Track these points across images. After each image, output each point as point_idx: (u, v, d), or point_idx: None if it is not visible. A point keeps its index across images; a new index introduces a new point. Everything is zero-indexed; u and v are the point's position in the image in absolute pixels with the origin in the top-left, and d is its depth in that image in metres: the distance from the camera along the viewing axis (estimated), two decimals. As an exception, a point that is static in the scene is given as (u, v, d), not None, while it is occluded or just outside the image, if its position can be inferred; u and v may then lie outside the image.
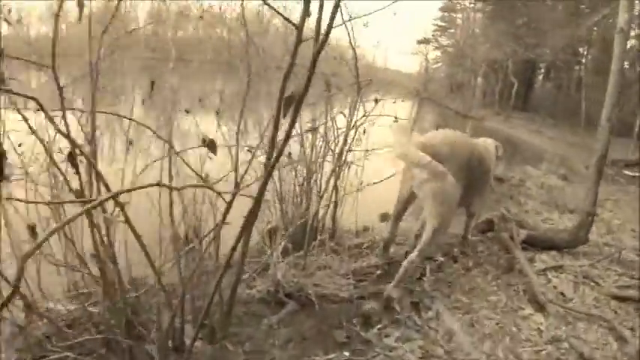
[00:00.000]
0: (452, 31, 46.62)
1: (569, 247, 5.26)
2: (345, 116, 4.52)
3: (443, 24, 48.06)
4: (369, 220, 5.65)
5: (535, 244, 5.09)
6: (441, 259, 4.58)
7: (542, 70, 40.45)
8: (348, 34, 4.08)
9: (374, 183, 4.56)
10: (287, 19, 2.03)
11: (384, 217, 6.09)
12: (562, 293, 4.17)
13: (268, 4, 2.21)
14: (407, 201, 4.04)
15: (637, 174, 16.13)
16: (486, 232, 5.39)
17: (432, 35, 48.78)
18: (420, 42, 49.44)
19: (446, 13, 47.42)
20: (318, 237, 4.34)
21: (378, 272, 4.17)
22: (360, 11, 3.88)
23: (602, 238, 6.40)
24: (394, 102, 4.06)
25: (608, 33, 29.94)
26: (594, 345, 3.49)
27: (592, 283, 4.46)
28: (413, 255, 3.65)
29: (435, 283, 4.10)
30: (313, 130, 4.45)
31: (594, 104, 26.72)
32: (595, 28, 30.08)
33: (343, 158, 4.45)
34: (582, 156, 19.33)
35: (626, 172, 16.44)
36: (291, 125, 2.12)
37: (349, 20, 3.71)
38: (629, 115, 26.06)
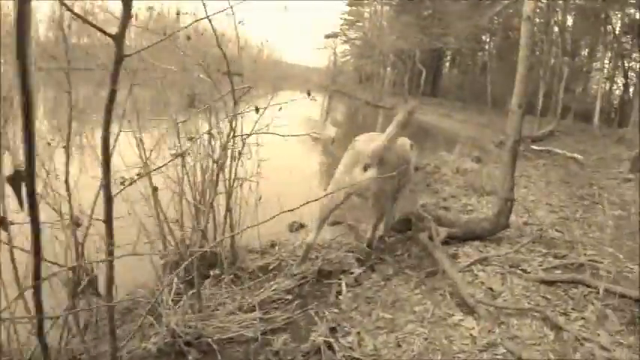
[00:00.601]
0: (360, 24, 46.93)
1: (491, 235, 5.00)
2: (213, 136, 3.99)
3: (351, 18, 48.36)
4: (274, 233, 5.11)
5: (457, 238, 4.78)
6: (358, 270, 4.13)
7: (449, 58, 41.66)
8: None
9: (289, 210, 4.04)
10: (102, 31, 1.70)
11: (293, 227, 5.65)
12: (490, 288, 3.81)
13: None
14: (340, 204, 4.19)
15: (543, 148, 16.60)
16: (404, 231, 5.01)
17: (340, 29, 49.02)
18: (327, 36, 49.47)
19: (353, 7, 47.76)
20: (216, 268, 3.84)
21: (290, 297, 3.65)
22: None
23: (522, 217, 6.21)
24: (279, 108, 3.42)
25: (509, 21, 32.01)
26: (530, 341, 3.15)
27: (519, 271, 4.15)
28: (369, 233, 4.49)
29: (353, 300, 3.63)
30: (180, 155, 3.68)
31: (498, 87, 27.75)
32: (496, 18, 31.55)
33: (232, 175, 3.96)
34: (491, 136, 19.90)
35: (534, 147, 16.92)
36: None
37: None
38: (531, 95, 27.22)
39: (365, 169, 3.94)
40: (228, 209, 3.98)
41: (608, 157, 13.72)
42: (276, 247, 4.77)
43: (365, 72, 46.60)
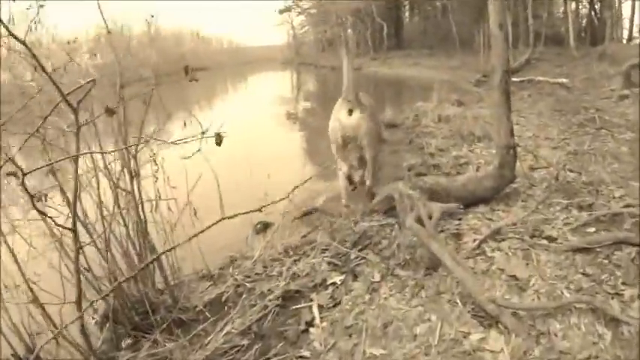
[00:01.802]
0: (312, -7, 45.36)
1: (496, 194, 3.96)
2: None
3: (300, -12, 46.83)
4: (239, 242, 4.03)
5: (458, 203, 3.73)
6: (337, 280, 3.06)
7: (407, 7, 40.33)
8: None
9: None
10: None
11: (261, 229, 4.65)
12: (514, 277, 2.75)
13: None
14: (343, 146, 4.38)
15: (524, 78, 15.56)
16: (387, 212, 3.94)
17: (293, 2, 47.52)
18: (282, 11, 48.08)
19: (301, -24, 46.24)
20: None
21: (246, 343, 2.58)
22: None
23: (524, 160, 5.17)
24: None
25: None
26: (585, 353, 2.13)
27: (543, 241, 3.10)
28: (368, 181, 4.51)
29: (329, 333, 2.55)
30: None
31: (463, 26, 26.62)
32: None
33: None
34: (467, 76, 18.84)
35: (514, 79, 15.87)
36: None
37: None
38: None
39: (350, 113, 4.24)
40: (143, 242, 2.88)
41: (594, 77, 12.67)
42: (230, 267, 3.68)
43: (326, 39, 45.21)
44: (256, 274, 3.38)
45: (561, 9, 27.62)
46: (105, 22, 3.07)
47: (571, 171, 4.70)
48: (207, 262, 3.63)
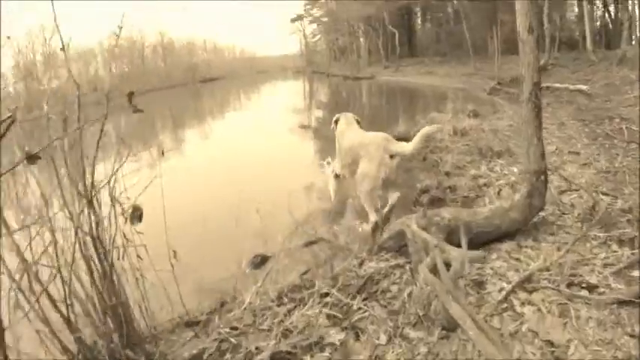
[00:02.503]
0: (323, 1, 44.99)
1: (524, 226, 3.44)
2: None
3: (312, -4, 46.60)
4: (211, 295, 3.53)
5: (479, 242, 3.21)
6: (336, 339, 2.54)
7: (419, 14, 39.80)
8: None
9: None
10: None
11: (260, 262, 4.21)
12: (549, 342, 2.22)
13: None
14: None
15: (542, 85, 14.91)
16: (396, 250, 3.43)
17: (305, 10, 47.33)
18: (293, 20, 47.95)
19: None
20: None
21: None
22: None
23: (550, 182, 4.63)
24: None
25: None
26: None
27: (583, 292, 2.58)
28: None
29: None
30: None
31: (476, 32, 26.05)
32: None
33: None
34: (481, 84, 18.26)
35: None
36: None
37: None
38: (511, 33, 25.51)
39: (391, 157, 4.56)
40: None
41: (615, 82, 12.04)
42: (218, 311, 3.19)
43: (338, 47, 44.86)
44: (245, 325, 2.89)
45: (575, 11, 26.97)
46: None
47: (605, 194, 4.14)
48: (194, 303, 3.21)
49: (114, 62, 53.48)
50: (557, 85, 13.67)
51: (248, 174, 7.53)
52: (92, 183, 2.46)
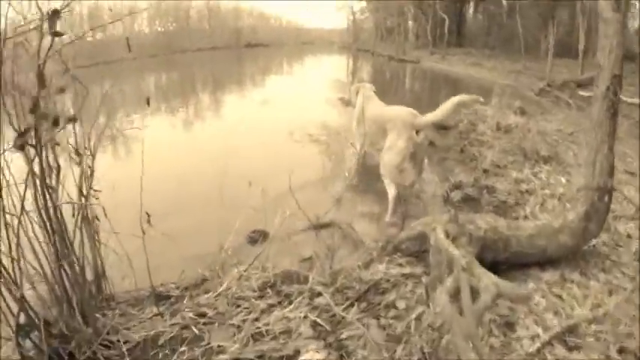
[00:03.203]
0: (373, -22, 43.74)
1: (574, 254, 2.82)
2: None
3: (364, -27, 45.41)
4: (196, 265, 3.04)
5: (516, 263, 2.62)
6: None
7: (472, 3, 38.33)
8: None
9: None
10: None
11: (253, 239, 3.78)
12: None
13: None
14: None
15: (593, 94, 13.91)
16: (415, 255, 2.86)
17: (356, -14, 46.25)
18: (343, -6, 46.81)
19: (365, -38, 44.78)
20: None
21: None
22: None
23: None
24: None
25: None
26: None
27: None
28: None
29: None
30: None
31: (529, 29, 24.84)
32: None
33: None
34: (529, 84, 17.29)
35: (582, 93, 14.28)
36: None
37: None
38: (565, 35, 24.43)
39: (417, 133, 4.39)
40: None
41: (676, 98, 11.05)
42: (202, 288, 2.71)
43: (385, 27, 43.62)
44: (216, 313, 2.39)
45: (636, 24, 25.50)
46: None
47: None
48: (175, 273, 2.76)
49: (159, 20, 53.59)
50: (612, 94, 12.70)
51: (273, 142, 7.04)
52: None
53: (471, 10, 39.21)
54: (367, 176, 5.13)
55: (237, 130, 8.18)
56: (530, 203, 4.06)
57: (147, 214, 2.47)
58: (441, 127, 7.75)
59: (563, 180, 4.75)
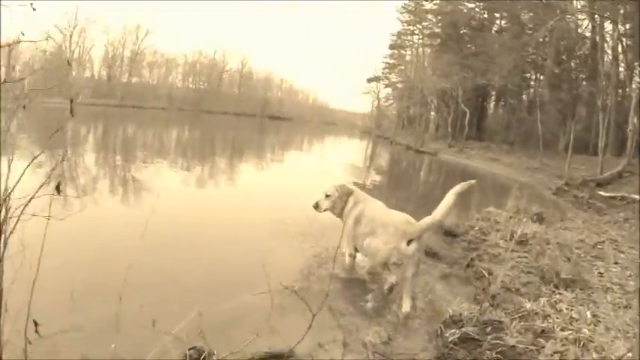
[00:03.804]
0: (402, 67, 44.64)
1: None
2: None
3: (392, 61, 46.44)
4: None
5: None
6: None
7: (494, 98, 38.51)
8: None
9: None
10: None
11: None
12: None
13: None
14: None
15: (615, 194, 13.08)
16: None
17: (382, 73, 47.16)
18: (370, 80, 47.77)
19: (395, 51, 45.90)
20: None
21: None
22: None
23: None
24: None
25: (556, 52, 29.02)
26: None
27: None
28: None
29: None
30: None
31: (548, 126, 24.47)
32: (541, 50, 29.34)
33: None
34: (547, 181, 16.57)
35: (602, 193, 13.45)
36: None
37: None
38: (582, 131, 24.01)
39: (408, 243, 4.07)
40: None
41: None
42: None
43: (407, 115, 43.97)
44: None
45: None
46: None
47: None
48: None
49: (192, 77, 55.47)
50: (636, 196, 11.84)
51: (248, 235, 6.27)
52: None
53: (492, 105, 39.33)
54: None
55: (220, 212, 7.63)
56: (546, 352, 3.19)
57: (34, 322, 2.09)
58: (449, 233, 6.98)
59: (589, 315, 3.89)
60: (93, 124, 24.22)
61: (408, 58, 44.28)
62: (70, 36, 44.10)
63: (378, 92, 48.89)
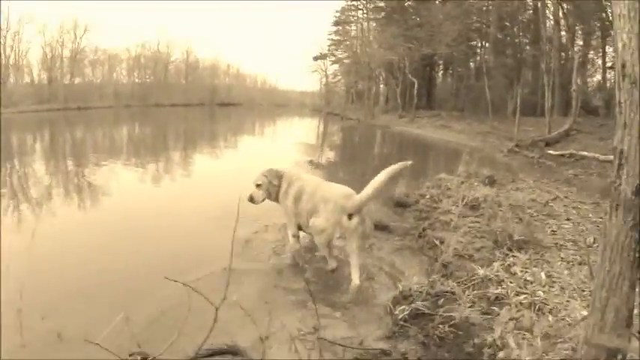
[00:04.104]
0: (347, 43, 44.15)
1: None
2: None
3: (337, 37, 45.82)
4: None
5: None
6: None
7: (441, 67, 38.65)
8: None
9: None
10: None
11: None
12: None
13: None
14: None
15: (564, 152, 13.24)
16: None
17: (328, 50, 46.54)
18: (316, 58, 47.03)
19: (339, 27, 45.31)
20: None
21: None
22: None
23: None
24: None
25: (500, 19, 29.43)
26: None
27: None
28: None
29: None
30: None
31: (496, 90, 24.74)
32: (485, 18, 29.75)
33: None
34: (498, 145, 16.69)
35: (551, 152, 13.60)
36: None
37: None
38: (529, 95, 24.42)
39: (350, 217, 4.04)
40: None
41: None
42: None
43: (356, 90, 43.73)
44: None
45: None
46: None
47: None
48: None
49: (138, 71, 53.49)
50: (585, 153, 12.00)
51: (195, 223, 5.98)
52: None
53: (440, 73, 39.52)
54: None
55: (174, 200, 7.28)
56: (501, 320, 2.98)
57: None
58: (400, 203, 6.78)
59: (543, 276, 3.73)
60: (38, 131, 23.15)
61: (353, 33, 43.74)
62: (4, 40, 41.28)
63: (326, 69, 48.34)
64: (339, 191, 4.20)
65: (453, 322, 2.99)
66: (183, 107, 49.13)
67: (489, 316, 3.10)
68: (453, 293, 3.39)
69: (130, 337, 2.51)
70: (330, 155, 15.89)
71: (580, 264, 4.10)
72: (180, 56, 57.63)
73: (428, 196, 6.90)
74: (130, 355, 2.58)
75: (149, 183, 9.32)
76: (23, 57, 43.29)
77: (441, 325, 2.98)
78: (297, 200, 4.41)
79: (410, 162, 4.26)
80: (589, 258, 3.32)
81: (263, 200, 4.63)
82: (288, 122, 37.38)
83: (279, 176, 4.57)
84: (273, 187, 4.57)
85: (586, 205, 6.52)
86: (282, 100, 62.90)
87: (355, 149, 19.15)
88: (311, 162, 12.24)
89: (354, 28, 43.99)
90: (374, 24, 40.39)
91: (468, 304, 3.19)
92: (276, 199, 4.64)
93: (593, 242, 4.76)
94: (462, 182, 7.65)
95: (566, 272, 3.88)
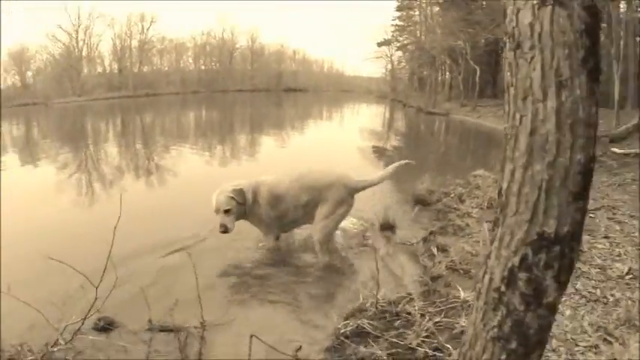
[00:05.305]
0: (411, 28, 42.93)
1: None
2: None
3: (401, 23, 44.62)
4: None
5: None
6: None
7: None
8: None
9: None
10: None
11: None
12: None
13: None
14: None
15: (630, 151, 11.99)
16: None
17: (392, 36, 45.44)
18: (380, 44, 46.10)
19: (403, 12, 44.07)
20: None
21: None
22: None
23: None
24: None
25: None
26: None
27: None
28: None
29: None
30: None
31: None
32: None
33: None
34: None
35: (615, 150, 12.34)
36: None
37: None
38: (603, 84, 22.44)
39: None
40: None
41: None
42: None
43: (419, 77, 42.48)
44: None
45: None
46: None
47: None
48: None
49: (204, 58, 54.94)
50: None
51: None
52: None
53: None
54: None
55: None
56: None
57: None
58: (420, 200, 6.21)
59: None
60: (111, 118, 24.55)
61: (416, 18, 42.44)
62: (77, 35, 44.63)
63: (391, 55, 47.29)
64: (332, 176, 4.36)
65: (395, 349, 2.52)
66: (249, 93, 49.96)
67: (439, 354, 2.56)
68: (410, 316, 2.88)
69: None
70: (394, 143, 15.99)
71: (596, 301, 3.34)
72: (245, 43, 58.44)
73: (452, 195, 6.30)
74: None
75: (216, 166, 10.12)
76: (95, 49, 46.37)
77: (380, 351, 2.51)
78: (277, 202, 4.31)
79: (410, 161, 4.58)
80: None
81: (236, 222, 4.30)
82: (353, 108, 37.11)
83: (243, 192, 4.24)
84: (240, 206, 4.21)
85: (635, 221, 5.49)
86: (349, 86, 62.46)
87: (420, 137, 18.98)
88: (375, 147, 12.88)
89: (417, 13, 42.71)
90: (437, 8, 38.91)
91: (424, 334, 2.67)
92: (243, 216, 4.36)
93: (627, 273, 3.81)
94: (495, 181, 6.95)
95: (567, 313, 3.09)
